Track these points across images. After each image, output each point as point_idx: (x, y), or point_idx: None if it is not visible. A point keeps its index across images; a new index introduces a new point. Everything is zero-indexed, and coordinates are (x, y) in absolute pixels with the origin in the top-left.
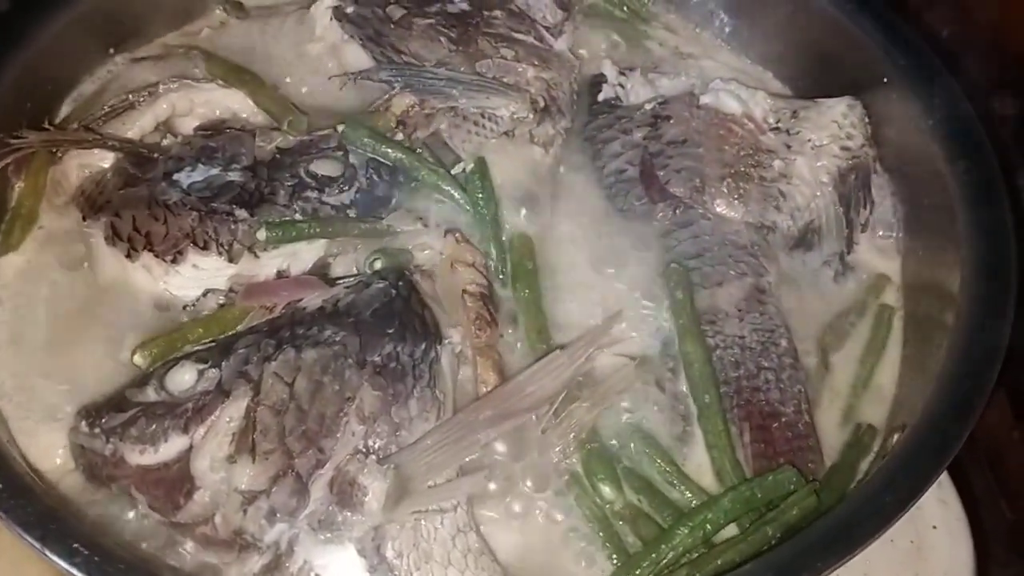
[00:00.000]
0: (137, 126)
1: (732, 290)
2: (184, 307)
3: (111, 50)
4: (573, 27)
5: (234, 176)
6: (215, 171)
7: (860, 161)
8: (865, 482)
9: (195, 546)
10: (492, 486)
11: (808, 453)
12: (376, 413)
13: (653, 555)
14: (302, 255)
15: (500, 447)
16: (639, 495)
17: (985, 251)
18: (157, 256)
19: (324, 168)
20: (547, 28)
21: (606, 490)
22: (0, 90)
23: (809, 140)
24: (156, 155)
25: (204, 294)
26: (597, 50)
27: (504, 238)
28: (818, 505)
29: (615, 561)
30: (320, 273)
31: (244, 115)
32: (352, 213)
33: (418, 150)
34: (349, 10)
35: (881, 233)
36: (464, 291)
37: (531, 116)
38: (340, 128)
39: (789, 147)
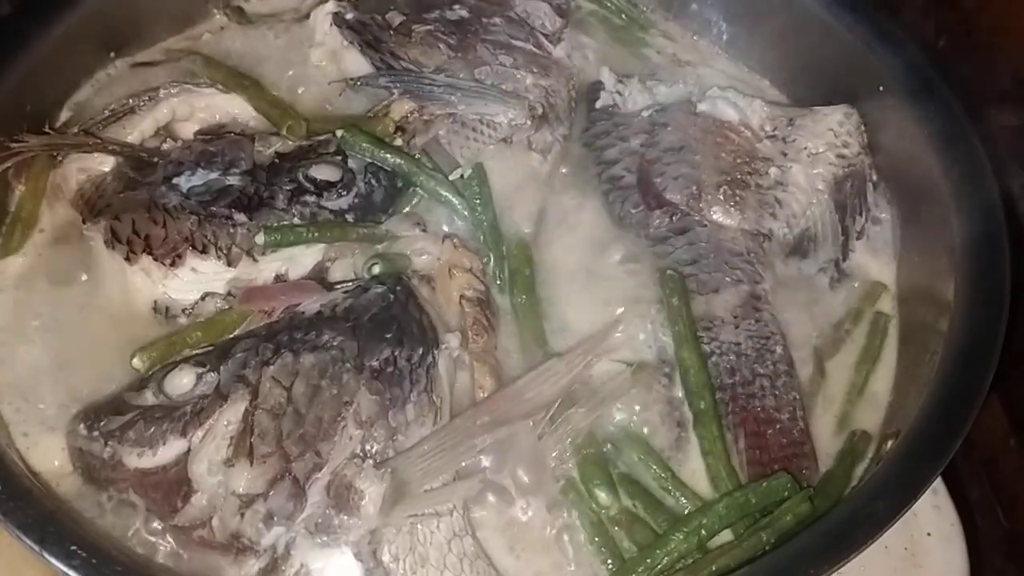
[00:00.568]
0: (137, 130)
1: (728, 297)
2: (183, 310)
3: (112, 54)
4: (571, 34)
5: (233, 180)
6: (214, 175)
7: (856, 169)
8: (859, 488)
9: (192, 549)
10: (488, 491)
11: (803, 460)
12: (373, 417)
13: (648, 560)
14: (300, 259)
15: (497, 452)
16: (634, 500)
17: (979, 259)
18: (156, 259)
19: (323, 173)
20: (546, 35)
21: (602, 495)
22: (1, 94)
23: (805, 148)
24: (156, 159)
25: (203, 298)
26: (595, 57)
27: (502, 244)
28: (812, 511)
29: (610, 566)
30: (318, 277)
31: (244, 120)
32: (350, 218)
33: (417, 156)
34: (349, 16)
35: (876, 241)
36: (462, 296)
37: (529, 123)
38: (339, 133)
39: (785, 155)
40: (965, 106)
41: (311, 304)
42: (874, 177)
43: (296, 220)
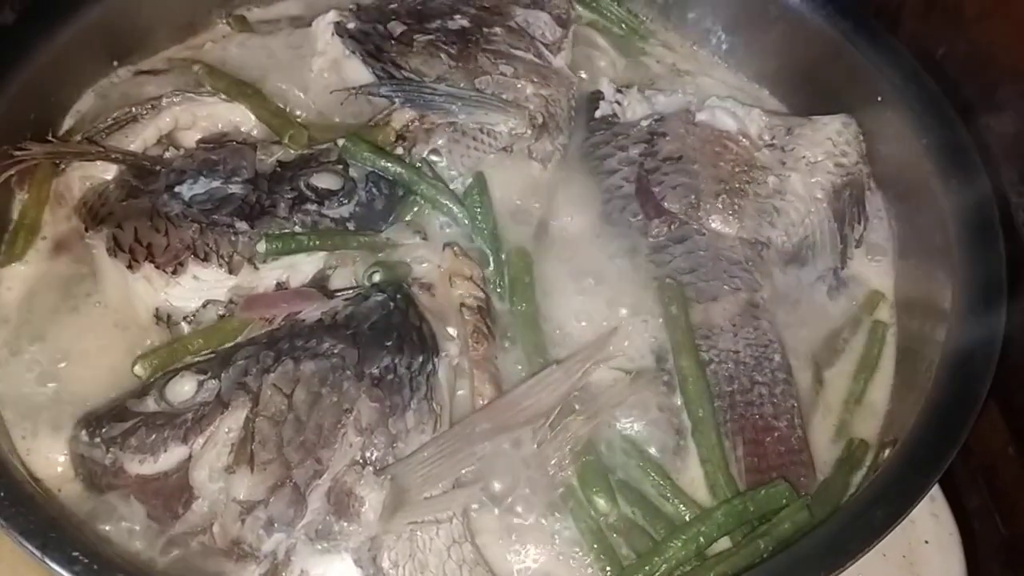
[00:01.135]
0: (140, 138)
1: (726, 305)
2: (184, 318)
3: (115, 62)
4: (571, 44)
5: (235, 189)
6: (216, 184)
7: (854, 178)
8: (856, 496)
9: (193, 555)
10: (487, 498)
11: (801, 467)
12: (373, 425)
13: (646, 567)
14: (301, 267)
15: (496, 460)
16: (633, 508)
17: (976, 267)
18: (158, 267)
19: (324, 181)
20: (546, 45)
21: (601, 502)
22: (4, 102)
23: (804, 157)
24: (158, 167)
25: (204, 305)
26: (595, 67)
27: (502, 252)
28: (810, 519)
29: (609, 573)
30: (319, 285)
31: (245, 128)
32: (351, 226)
33: (417, 165)
34: (351, 25)
35: (874, 250)
36: (462, 304)
37: (529, 132)
38: (340, 142)
39: (784, 163)
40: (962, 115)
41: (312, 312)
42: (872, 186)
43: (297, 228)
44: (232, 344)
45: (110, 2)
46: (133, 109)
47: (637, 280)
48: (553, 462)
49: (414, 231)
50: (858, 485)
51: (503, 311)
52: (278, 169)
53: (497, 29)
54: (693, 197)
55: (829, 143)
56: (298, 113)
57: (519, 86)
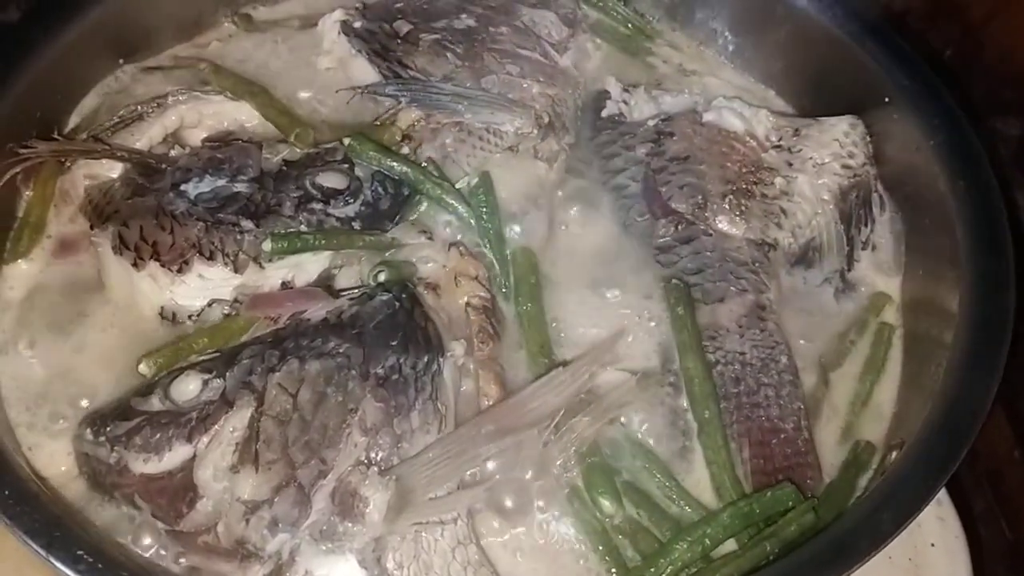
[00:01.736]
0: (145, 137)
1: (733, 306)
2: (189, 316)
3: (120, 60)
4: (578, 44)
5: (241, 187)
6: (222, 182)
7: (861, 180)
8: (862, 499)
9: (197, 555)
10: (492, 499)
11: (807, 470)
12: (378, 425)
13: (652, 569)
14: (307, 267)
15: (501, 461)
16: (639, 509)
17: (984, 270)
18: (163, 266)
19: (330, 180)
20: (552, 45)
21: (606, 504)
22: (10, 99)
23: (811, 158)
24: (164, 166)
25: (209, 304)
26: (601, 67)
27: (507, 252)
28: (816, 522)
29: (614, 574)
30: (324, 285)
31: (251, 127)
32: (357, 225)
33: (423, 164)
34: (357, 24)
35: (881, 252)
36: (467, 304)
37: (535, 132)
38: (346, 141)
39: (791, 165)
40: (970, 117)
41: (317, 311)
42: (879, 188)
43: (303, 227)
44: (237, 343)
45: (115, 0)
46: (139, 107)
47: (643, 280)
48: (558, 463)
49: (419, 230)
50: (865, 487)
51: (508, 311)
52: (284, 168)
53: (503, 28)
54: (700, 197)
55: (836, 144)
56: (304, 112)
57: (525, 85)
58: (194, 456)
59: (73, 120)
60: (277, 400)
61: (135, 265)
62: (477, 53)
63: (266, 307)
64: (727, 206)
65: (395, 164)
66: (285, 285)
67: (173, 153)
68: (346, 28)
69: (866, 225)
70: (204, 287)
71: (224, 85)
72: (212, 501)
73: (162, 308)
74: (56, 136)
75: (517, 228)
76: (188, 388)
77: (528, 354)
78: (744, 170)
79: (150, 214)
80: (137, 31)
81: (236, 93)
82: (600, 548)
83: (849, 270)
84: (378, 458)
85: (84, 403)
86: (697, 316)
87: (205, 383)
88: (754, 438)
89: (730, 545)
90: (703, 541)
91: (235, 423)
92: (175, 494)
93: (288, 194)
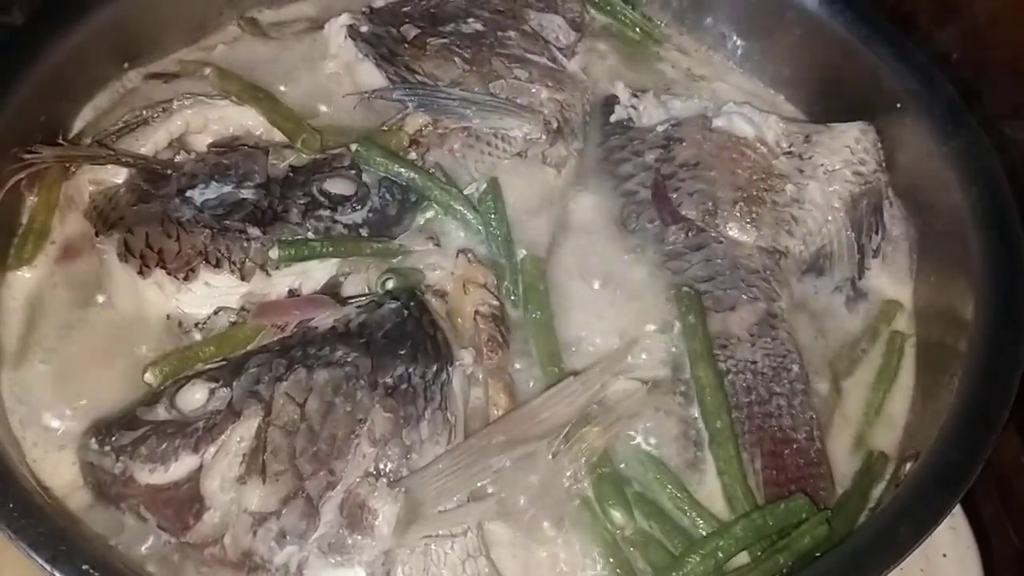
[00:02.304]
0: (151, 142)
1: (744, 315)
2: (196, 325)
3: (125, 65)
4: (586, 48)
5: (247, 194)
6: (228, 188)
7: (872, 186)
8: (878, 513)
9: (204, 567)
10: (502, 511)
11: (820, 480)
12: (387, 435)
13: None
14: (314, 274)
15: (511, 472)
16: (650, 521)
17: (999, 278)
18: (169, 273)
19: (337, 187)
20: (560, 49)
21: (617, 515)
22: (14, 104)
23: (822, 165)
24: (169, 171)
25: (216, 312)
26: (610, 71)
27: (516, 259)
28: (830, 534)
29: None
30: (331, 292)
31: (257, 132)
32: (364, 232)
33: (431, 170)
34: (363, 29)
35: (892, 259)
36: (476, 312)
37: (544, 137)
38: (353, 147)
39: (801, 171)
40: (978, 121)
41: (324, 319)
42: (890, 194)
43: (310, 234)
44: (244, 352)
45: (120, 4)
46: (144, 112)
47: (653, 288)
48: (569, 474)
49: (427, 237)
50: (878, 499)
51: (517, 319)
52: (290, 174)
53: (511, 33)
54: (710, 204)
55: (847, 151)
56: (310, 117)
57: (534, 90)
58: (201, 466)
59: (78, 125)
60: (284, 410)
61: (141, 272)
62: (485, 58)
63: (273, 315)
64: (738, 213)
65: (403, 170)
66: (292, 293)
67: (178, 158)
68: (353, 32)
69: (877, 232)
70: (210, 295)
71: (229, 90)
72: (219, 512)
73: (168, 316)
74: (61, 141)
75: (526, 235)
76: (194, 397)
77: (538, 363)
78: (755, 177)
79: (156, 221)
80: (142, 35)
81: (242, 98)
82: (611, 560)
83: (860, 278)
84: (387, 469)
85: (89, 412)
86: (708, 324)
87: (212, 392)
88: (766, 448)
89: (743, 558)
90: (716, 554)
91: (242, 433)
92: (181, 505)
93: (295, 200)
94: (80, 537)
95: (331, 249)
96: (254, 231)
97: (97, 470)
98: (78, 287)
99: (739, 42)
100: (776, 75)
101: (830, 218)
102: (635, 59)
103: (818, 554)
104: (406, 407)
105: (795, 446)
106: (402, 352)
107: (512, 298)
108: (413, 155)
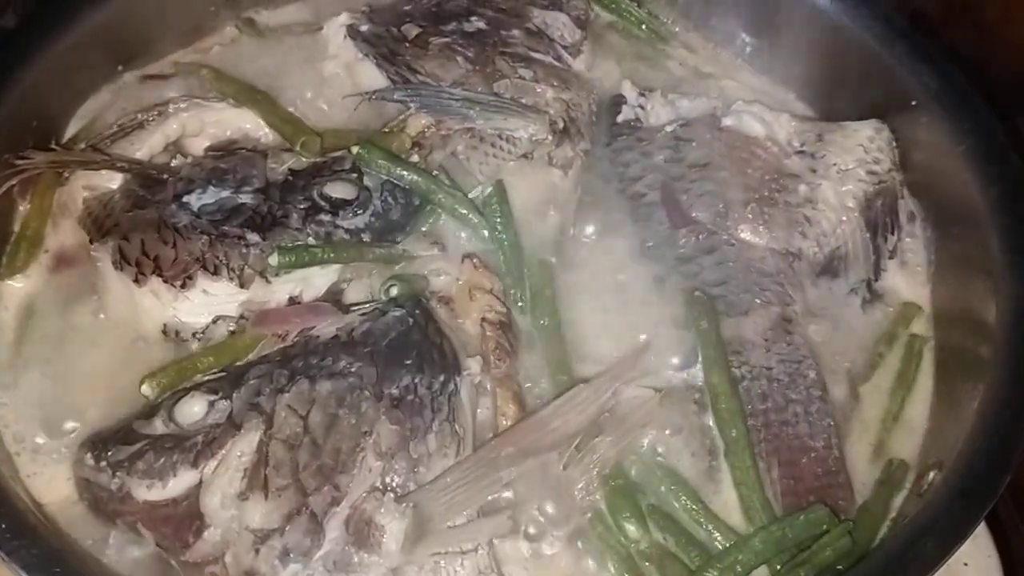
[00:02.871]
0: (146, 146)
1: (758, 319)
2: (193, 334)
3: (120, 67)
4: (591, 46)
5: (245, 199)
6: (226, 193)
7: (887, 186)
8: (904, 525)
9: None
10: (514, 526)
11: (838, 490)
12: (394, 448)
13: None
14: (315, 281)
15: (522, 485)
16: (665, 534)
17: (1021, 280)
18: (166, 281)
19: (338, 191)
20: (565, 48)
21: (631, 529)
22: (5, 108)
23: (835, 164)
24: (165, 176)
25: (214, 321)
26: (616, 70)
27: (523, 264)
28: (852, 546)
29: None
30: (333, 299)
31: (256, 135)
32: (366, 237)
33: (434, 172)
34: (363, 28)
35: (909, 260)
36: (483, 319)
37: (550, 138)
38: (354, 149)
39: (814, 171)
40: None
41: (327, 328)
42: (906, 194)
43: (311, 240)
44: (244, 362)
45: (114, 4)
46: (139, 115)
47: (664, 292)
48: (580, 486)
49: (431, 242)
50: (899, 509)
51: (525, 325)
52: (290, 178)
53: (515, 31)
54: (721, 206)
55: (861, 150)
56: (309, 119)
57: (538, 90)
58: (200, 482)
59: (71, 129)
60: (287, 423)
61: (136, 281)
62: (488, 57)
63: (273, 323)
64: (749, 215)
65: (405, 173)
66: (293, 300)
67: (175, 163)
68: (352, 32)
69: (893, 233)
70: (208, 303)
71: (227, 92)
72: (220, 530)
73: (165, 325)
74: (54, 146)
75: (533, 238)
76: (193, 410)
77: (547, 370)
78: (766, 177)
79: (152, 227)
80: (137, 37)
81: (239, 100)
82: (626, 575)
83: (876, 280)
84: (394, 484)
85: (84, 426)
86: (721, 330)
87: (211, 405)
88: (783, 457)
89: (762, 572)
90: (735, 568)
91: (243, 447)
92: (180, 523)
93: (295, 205)
94: (76, 559)
95: (332, 255)
96: (253, 237)
97: (93, 486)
98: (72, 296)
99: (748, 39)
100: (786, 72)
101: (844, 218)
102: (641, 57)
103: (840, 567)
104: (413, 419)
105: (813, 454)
106: (408, 362)
107: (519, 304)
108: (416, 157)
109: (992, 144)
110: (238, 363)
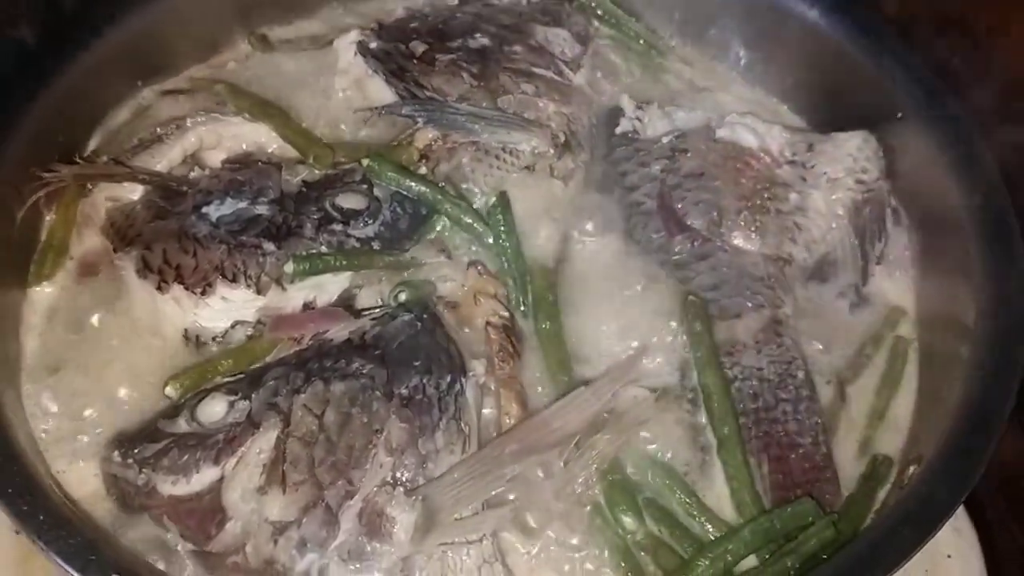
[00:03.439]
0: (165, 159)
1: (750, 322)
2: (213, 338)
3: (139, 83)
4: (591, 61)
5: (262, 209)
6: (243, 204)
7: (875, 194)
8: (882, 515)
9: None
10: (517, 518)
11: (826, 484)
12: (404, 445)
13: None
14: (328, 287)
15: (525, 480)
16: (660, 526)
17: (999, 284)
18: (187, 288)
19: (349, 201)
20: (566, 63)
21: (628, 521)
22: (32, 124)
23: (825, 173)
24: (185, 188)
25: (233, 326)
26: (614, 83)
27: (525, 271)
28: (836, 537)
29: None
30: (346, 305)
31: (270, 148)
32: (376, 245)
33: (441, 184)
34: (373, 45)
35: (895, 266)
36: (487, 323)
37: (552, 151)
38: (364, 162)
39: (805, 180)
40: (979, 125)
41: (340, 332)
42: (893, 202)
43: (324, 248)
44: (261, 364)
45: (133, 23)
46: (158, 129)
47: (660, 297)
48: (580, 481)
49: (438, 250)
50: (883, 501)
51: (527, 329)
52: (304, 189)
53: (517, 47)
54: (715, 214)
55: (850, 159)
56: (321, 132)
57: (540, 104)
58: (222, 478)
59: (93, 143)
60: (303, 421)
61: (159, 288)
62: (492, 72)
63: (289, 328)
64: (742, 222)
65: (413, 184)
66: (307, 306)
67: (193, 175)
68: (362, 48)
69: (880, 239)
70: (227, 309)
71: (242, 106)
72: (240, 522)
73: (186, 330)
74: (77, 160)
75: (535, 246)
76: (214, 410)
77: (548, 371)
78: (759, 186)
79: (173, 237)
80: (155, 53)
81: (254, 114)
82: (622, 564)
83: (864, 284)
84: (404, 478)
85: (111, 425)
86: (714, 332)
87: (231, 405)
88: (773, 453)
89: (751, 561)
90: (725, 557)
91: (262, 444)
92: (204, 516)
93: (308, 215)
94: (108, 547)
95: (344, 263)
96: (269, 246)
97: (120, 482)
98: (96, 302)
99: (742, 53)
100: (779, 85)
101: (833, 225)
102: (639, 71)
103: (824, 556)
104: (421, 417)
105: (801, 451)
106: (417, 363)
107: (522, 309)
108: (423, 169)
109: (974, 154)
110: (256, 365)
